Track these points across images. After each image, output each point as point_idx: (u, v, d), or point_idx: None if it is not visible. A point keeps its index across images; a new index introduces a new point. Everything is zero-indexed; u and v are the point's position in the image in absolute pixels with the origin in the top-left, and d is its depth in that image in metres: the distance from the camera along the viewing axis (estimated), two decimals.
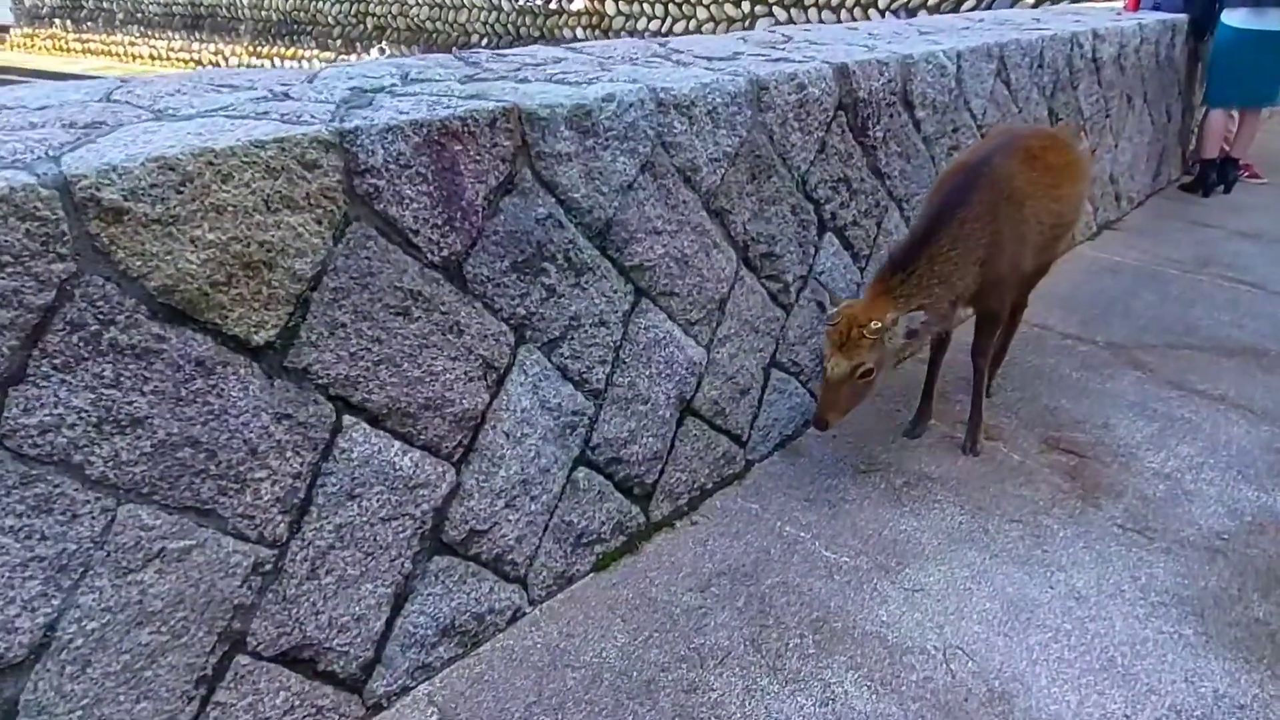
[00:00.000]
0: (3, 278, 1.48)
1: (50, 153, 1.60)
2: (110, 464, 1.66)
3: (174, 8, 23.92)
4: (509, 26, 19.56)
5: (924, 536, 2.91)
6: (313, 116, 1.97)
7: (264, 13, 22.79)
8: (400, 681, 2.23)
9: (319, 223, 1.90)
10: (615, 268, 2.62)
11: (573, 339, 2.52)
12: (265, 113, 1.98)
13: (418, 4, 20.43)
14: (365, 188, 1.97)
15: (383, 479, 2.10)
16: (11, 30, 25.88)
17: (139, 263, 1.64)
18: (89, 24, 25.31)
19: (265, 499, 1.90)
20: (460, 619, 2.34)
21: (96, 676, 1.69)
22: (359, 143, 1.93)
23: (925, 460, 3.35)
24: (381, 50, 21.14)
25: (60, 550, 1.62)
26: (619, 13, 17.91)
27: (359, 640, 2.13)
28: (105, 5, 24.97)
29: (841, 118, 3.42)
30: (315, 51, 21.91)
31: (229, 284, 1.77)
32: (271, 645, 1.96)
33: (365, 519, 2.09)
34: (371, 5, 21.11)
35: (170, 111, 1.98)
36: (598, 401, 2.65)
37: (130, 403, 1.67)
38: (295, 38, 22.42)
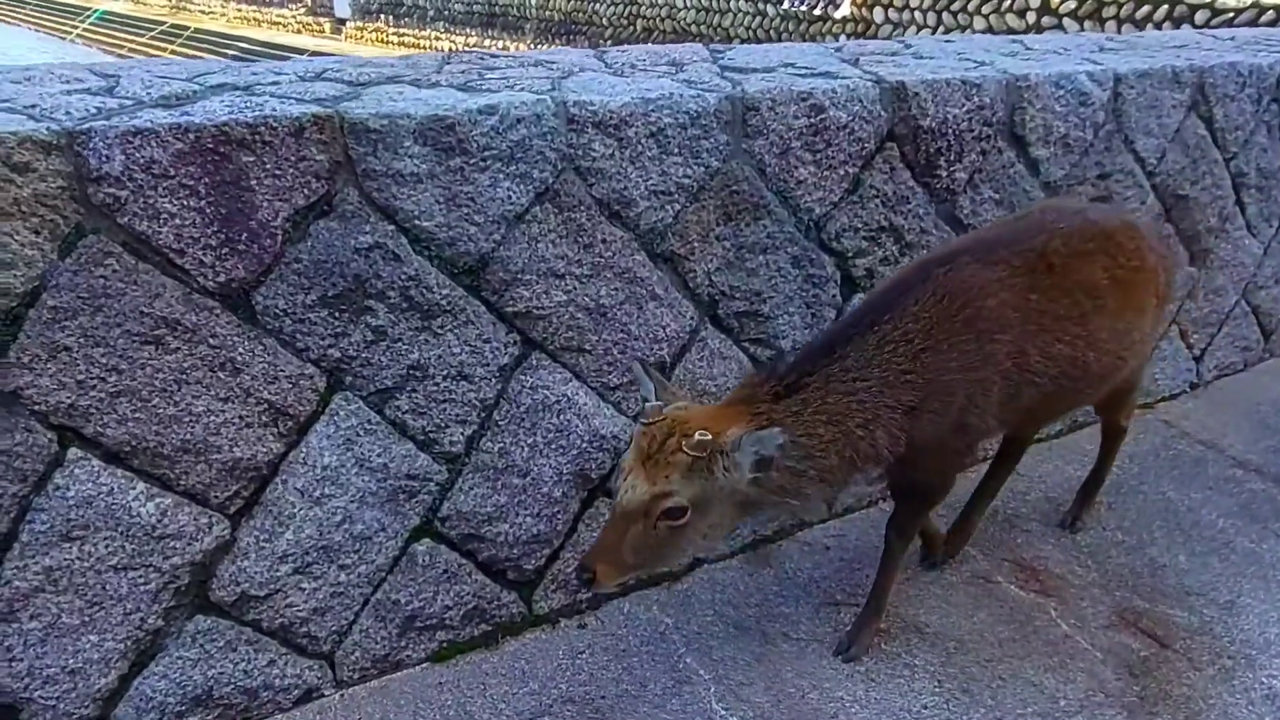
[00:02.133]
0: None
1: None
2: None
3: (474, 7, 26.22)
4: (771, 32, 19.31)
5: (862, 714, 2.19)
6: (68, 113, 1.76)
7: (548, 13, 24.32)
8: None
9: (35, 233, 1.69)
10: (492, 313, 2.19)
11: (414, 391, 2.14)
12: (32, 105, 1.80)
13: (685, 7, 20.76)
14: (103, 197, 1.73)
15: (113, 523, 1.87)
16: (347, 24, 29.76)
17: None
18: (406, 20, 28.43)
19: None
20: (221, 690, 2.06)
21: None
22: (91, 146, 1.69)
23: (929, 604, 2.56)
24: None
25: None
26: (887, 20, 16.96)
27: (74, 696, 1.92)
28: (420, 3, 27.92)
29: (892, 150, 2.70)
30: (586, 47, 22.95)
31: None
32: None
33: (89, 565, 1.87)
34: (643, 8, 21.80)
35: None
36: (453, 467, 2.24)
37: None
38: (571, 37, 23.67)
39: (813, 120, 2.51)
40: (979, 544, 2.80)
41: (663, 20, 21.35)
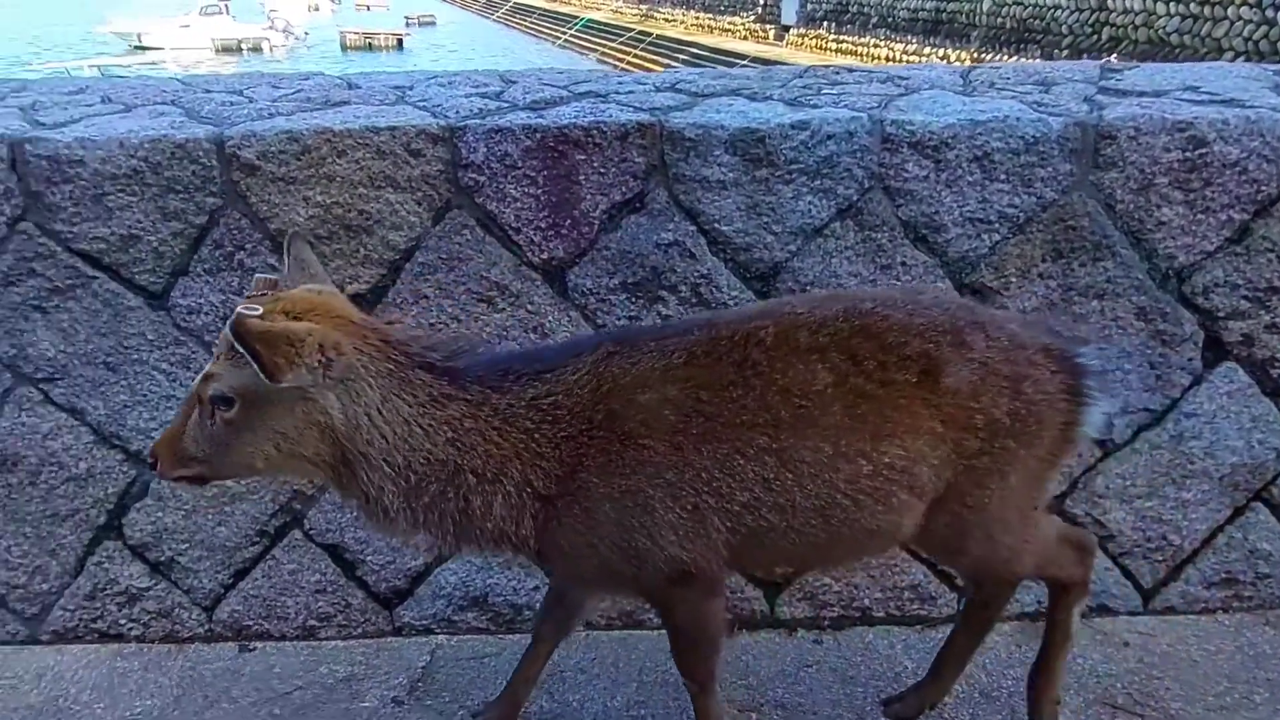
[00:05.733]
0: (175, 200, 2.13)
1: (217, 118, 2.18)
2: None
3: (920, 14, 25.59)
4: (1278, 45, 16.20)
5: None
6: (457, 112, 2.21)
7: (999, 19, 22.90)
8: (425, 622, 2.46)
9: (418, 203, 2.16)
10: None
11: None
12: (438, 104, 2.28)
13: (1167, 14, 18.22)
14: (467, 180, 2.15)
15: None
16: (791, 31, 30.97)
17: (265, 208, 2.14)
18: (847, 27, 28.74)
19: None
20: (494, 599, 2.44)
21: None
22: (464, 139, 2.11)
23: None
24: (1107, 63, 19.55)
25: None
26: None
27: (393, 567, 2.41)
28: (865, 10, 28.01)
29: None
30: (1037, 59, 21.27)
31: (330, 239, 2.16)
32: (321, 535, 2.39)
33: None
34: (1113, 15, 19.57)
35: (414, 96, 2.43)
36: None
37: None
38: (1023, 46, 22.06)
39: (1189, 154, 2.17)
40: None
41: (1135, 29, 18.95)
